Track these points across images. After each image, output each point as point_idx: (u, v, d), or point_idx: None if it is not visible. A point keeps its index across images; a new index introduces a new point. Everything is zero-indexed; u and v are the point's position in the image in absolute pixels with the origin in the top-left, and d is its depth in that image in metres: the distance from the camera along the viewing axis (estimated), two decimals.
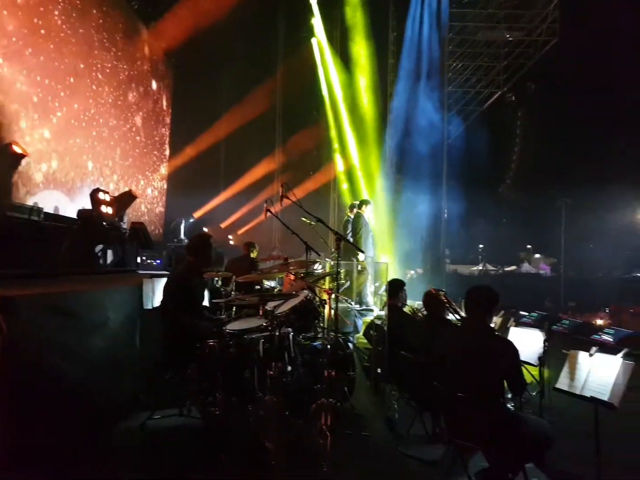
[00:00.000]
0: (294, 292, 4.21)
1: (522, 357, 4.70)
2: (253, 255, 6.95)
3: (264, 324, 3.76)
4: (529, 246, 26.06)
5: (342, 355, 4.41)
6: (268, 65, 16.99)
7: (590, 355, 3.63)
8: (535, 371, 4.55)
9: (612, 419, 3.49)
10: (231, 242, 14.66)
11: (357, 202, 8.76)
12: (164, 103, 15.01)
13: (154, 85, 14.07)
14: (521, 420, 3.27)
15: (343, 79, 15.67)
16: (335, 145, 16.03)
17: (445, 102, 14.84)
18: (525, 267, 22.42)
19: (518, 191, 20.22)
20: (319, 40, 15.64)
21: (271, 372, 3.44)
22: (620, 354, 3.45)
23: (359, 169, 15.29)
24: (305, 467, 3.29)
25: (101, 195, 6.70)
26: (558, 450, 3.84)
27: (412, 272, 12.06)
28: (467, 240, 21.41)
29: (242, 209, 15.96)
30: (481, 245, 25.11)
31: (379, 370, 5.16)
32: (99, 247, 6.51)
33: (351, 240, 8.02)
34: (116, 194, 8.41)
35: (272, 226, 15.77)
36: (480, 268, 21.48)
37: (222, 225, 15.58)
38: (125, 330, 4.40)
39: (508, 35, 14.94)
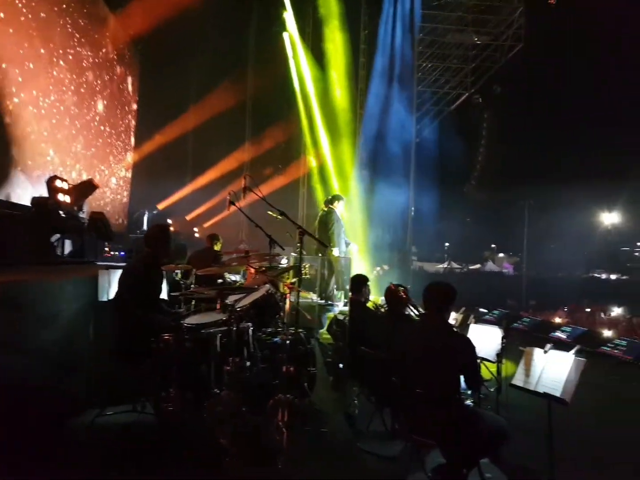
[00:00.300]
0: (254, 286, 4.14)
1: (481, 353, 4.78)
2: (216, 247, 6.76)
3: (223, 319, 3.68)
4: (493, 245, 26.65)
5: (303, 350, 4.37)
6: (239, 58, 16.79)
7: (545, 352, 3.70)
8: (494, 367, 4.62)
9: (566, 415, 3.56)
10: (196, 235, 14.42)
11: (332, 196, 8.65)
12: (130, 91, 14.60)
13: (120, 72, 13.67)
14: (477, 417, 3.30)
15: (315, 75, 15.61)
16: (307, 140, 15.96)
17: (415, 101, 15.00)
18: (489, 265, 22.91)
19: (482, 191, 20.62)
20: (291, 34, 15.52)
21: (228, 368, 3.37)
22: (573, 351, 3.52)
23: (330, 164, 15.27)
24: (261, 464, 3.23)
25: (58, 183, 6.44)
26: (514, 445, 3.90)
27: (379, 268, 12.14)
28: (434, 238, 21.75)
29: (209, 202, 15.72)
30: (447, 244, 25.57)
31: (340, 366, 5.15)
32: (56, 237, 6.26)
33: (321, 235, 7.93)
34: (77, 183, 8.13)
35: (240, 219, 15.59)
36: (446, 266, 21.84)
37: (188, 218, 15.30)
38: (79, 323, 4.24)
39: (476, 39, 15.22)
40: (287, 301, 3.61)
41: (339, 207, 8.26)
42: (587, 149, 21.47)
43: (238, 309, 3.90)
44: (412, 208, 15.30)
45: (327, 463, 3.55)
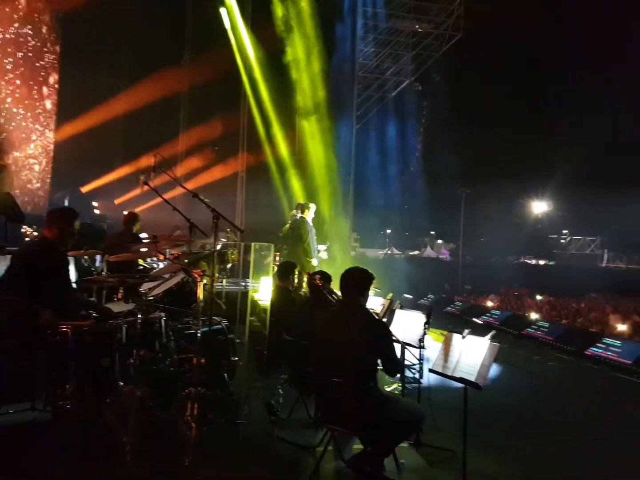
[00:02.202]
0: (165, 275, 3.90)
1: (406, 339, 4.81)
2: (136, 230, 6.21)
3: (131, 309, 3.44)
4: (432, 232, 27.35)
5: (223, 340, 4.20)
6: (176, 39, 16.05)
7: (463, 337, 3.72)
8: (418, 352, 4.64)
9: (488, 395, 3.59)
10: None
11: (302, 204, 8.33)
12: (51, 69, 13.54)
13: (36, 49, 12.57)
14: (392, 403, 3.27)
15: (259, 56, 15.11)
16: (259, 127, 15.48)
17: (356, 86, 14.94)
18: (428, 251, 23.53)
19: (421, 179, 21.03)
20: (230, 7, 14.84)
21: (132, 361, 3.15)
22: (488, 336, 3.55)
23: (271, 152, 14.98)
24: (166, 462, 3.05)
25: None
26: (436, 428, 3.96)
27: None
28: (377, 225, 22.02)
29: (142, 187, 15.01)
30: (388, 230, 26.00)
31: (265, 353, 5.03)
32: None
33: (294, 244, 7.76)
34: None
35: (176, 205, 15.04)
36: (387, 252, 22.20)
37: (117, 202, 14.58)
38: None
39: (417, 26, 15.34)
40: (200, 289, 3.39)
41: (309, 216, 8.00)
42: (521, 141, 22.33)
43: (149, 298, 3.67)
44: (352, 194, 15.31)
45: (239, 456, 3.42)
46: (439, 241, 26.71)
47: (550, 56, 21.18)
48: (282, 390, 4.70)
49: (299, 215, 8.04)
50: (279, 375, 5.14)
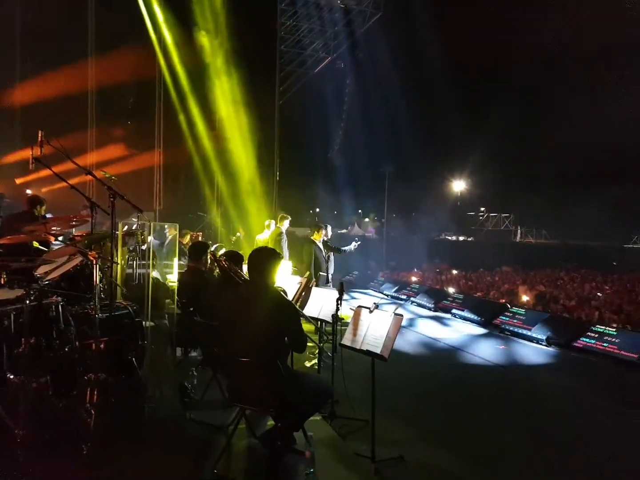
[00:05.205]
0: (61, 259, 3.66)
1: (321, 315, 4.89)
2: (38, 212, 5.76)
3: (20, 295, 3.21)
4: (359, 211, 27.84)
5: (130, 324, 4.04)
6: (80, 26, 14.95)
7: (370, 312, 3.81)
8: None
9: (401, 368, 3.69)
10: None
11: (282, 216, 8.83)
12: None
13: None
14: (297, 379, 3.30)
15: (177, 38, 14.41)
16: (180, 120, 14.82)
17: (278, 61, 14.66)
18: (355, 229, 24.00)
19: (346, 157, 21.22)
20: None
21: (21, 350, 2.95)
22: (393, 310, 3.66)
23: (189, 132, 14.53)
24: (62, 452, 2.90)
25: None
26: (350, 400, 4.07)
27: (238, 234, 11.94)
28: (304, 204, 22.02)
29: (32, 164, 14.11)
30: (317, 209, 26.14)
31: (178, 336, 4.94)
32: None
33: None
34: None
35: (87, 186, 14.25)
36: None
37: (18, 181, 13.52)
38: None
39: (339, 2, 15.21)
40: (95, 272, 3.20)
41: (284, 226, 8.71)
42: (441, 120, 23.08)
43: (44, 283, 3.44)
44: (277, 173, 15.19)
45: (145, 440, 3.33)
46: (366, 219, 27.29)
47: (469, 40, 21.94)
48: (196, 372, 4.62)
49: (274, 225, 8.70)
50: (194, 356, 5.08)
